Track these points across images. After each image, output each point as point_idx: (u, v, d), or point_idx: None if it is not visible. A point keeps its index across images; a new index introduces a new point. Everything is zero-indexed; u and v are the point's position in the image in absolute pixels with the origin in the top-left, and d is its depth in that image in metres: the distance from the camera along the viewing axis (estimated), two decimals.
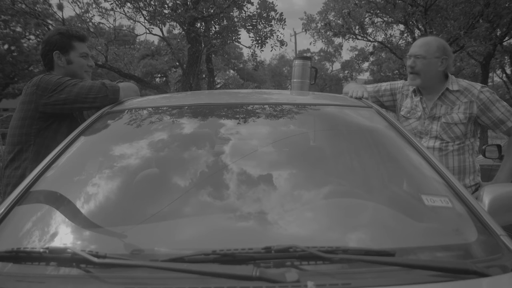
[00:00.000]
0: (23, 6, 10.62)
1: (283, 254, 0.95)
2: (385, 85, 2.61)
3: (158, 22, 10.28)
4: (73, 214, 1.29)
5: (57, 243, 1.14)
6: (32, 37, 21.42)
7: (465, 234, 1.17)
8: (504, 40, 14.71)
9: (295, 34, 32.24)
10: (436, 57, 2.29)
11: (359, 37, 15.09)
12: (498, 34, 13.69)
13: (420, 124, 2.36)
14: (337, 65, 34.39)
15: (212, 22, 10.62)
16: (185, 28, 10.12)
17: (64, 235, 1.19)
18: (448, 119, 2.27)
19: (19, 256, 1.01)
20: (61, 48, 2.21)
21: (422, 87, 2.38)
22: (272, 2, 10.41)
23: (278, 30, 10.98)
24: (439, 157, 2.27)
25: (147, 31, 11.31)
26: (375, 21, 15.00)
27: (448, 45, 2.39)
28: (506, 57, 18.03)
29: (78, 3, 11.17)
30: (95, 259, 0.94)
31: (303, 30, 17.12)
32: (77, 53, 2.24)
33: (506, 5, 11.79)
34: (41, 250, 1.00)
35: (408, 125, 2.41)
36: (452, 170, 2.25)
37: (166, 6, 10.00)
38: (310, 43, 37.13)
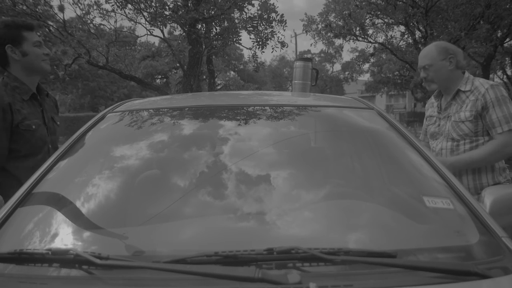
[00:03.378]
0: (24, 7, 10.64)
1: (285, 255, 0.96)
2: (424, 120, 2.68)
3: (159, 23, 10.30)
4: (75, 215, 1.29)
5: (59, 244, 1.15)
6: None
7: (467, 236, 1.17)
8: (505, 41, 14.72)
9: (296, 35, 32.30)
10: (442, 59, 2.36)
11: (360, 38, 15.10)
12: (498, 35, 13.69)
13: (436, 126, 2.44)
14: (337, 66, 34.47)
15: (213, 23, 10.64)
16: (186, 29, 10.13)
17: (66, 237, 1.20)
18: (456, 117, 2.31)
19: (21, 258, 1.01)
20: (12, 40, 2.13)
21: (443, 90, 2.45)
22: (273, 3, 10.44)
23: (278, 32, 11.04)
24: None
25: (148, 33, 11.29)
26: (376, 23, 15.01)
27: (448, 44, 2.44)
28: (507, 59, 18.04)
29: (79, 4, 11.19)
30: (98, 261, 0.95)
31: (304, 31, 17.12)
32: (30, 43, 2.16)
33: (507, 6, 11.79)
34: (44, 251, 1.00)
35: (429, 130, 2.51)
36: (465, 171, 2.27)
37: (167, 7, 10.01)
38: (311, 44, 37.18)
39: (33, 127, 2.14)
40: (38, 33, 2.42)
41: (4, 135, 2.04)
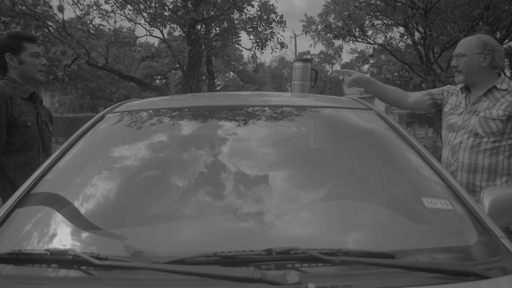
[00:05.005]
0: (24, 7, 10.63)
1: (284, 256, 0.96)
2: (437, 89, 2.70)
3: (158, 24, 10.28)
4: (74, 216, 1.29)
5: (58, 245, 1.15)
6: None
7: (465, 236, 1.17)
8: (504, 42, 14.72)
9: (295, 36, 32.29)
10: (477, 53, 2.30)
11: (359, 39, 15.09)
12: (497, 36, 13.70)
13: (460, 119, 2.38)
14: (337, 67, 34.46)
15: (213, 24, 10.63)
16: (185, 30, 10.13)
17: (65, 237, 1.20)
18: (486, 114, 2.26)
19: (20, 258, 1.01)
20: (12, 49, 2.31)
21: (470, 84, 2.41)
22: (273, 4, 10.43)
23: (278, 32, 10.98)
24: (469, 154, 2.27)
25: (148, 33, 11.28)
26: (375, 24, 15.00)
27: (492, 40, 2.37)
28: (505, 60, 18.06)
29: (79, 5, 11.18)
30: (97, 261, 0.95)
31: (303, 32, 17.11)
32: (28, 53, 2.33)
33: (506, 8, 11.81)
34: (42, 252, 1.00)
35: (448, 120, 2.45)
36: (481, 169, 2.25)
37: (166, 8, 10.00)
38: (310, 45, 37.22)
39: (29, 123, 2.27)
40: (40, 44, 2.58)
41: (5, 124, 2.16)
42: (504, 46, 15.39)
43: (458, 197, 1.27)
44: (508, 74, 19.72)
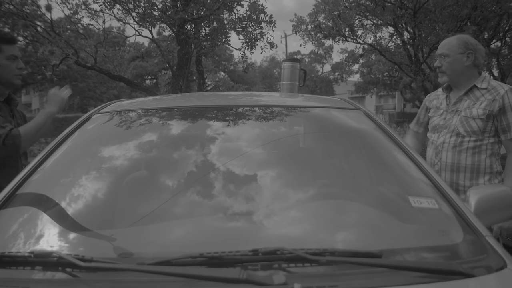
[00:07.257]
0: (11, 7, 10.51)
1: (270, 256, 0.96)
2: (419, 109, 2.70)
3: (147, 24, 10.22)
4: (59, 217, 1.28)
5: (42, 247, 1.13)
6: (20, 38, 21.21)
7: (451, 235, 1.18)
8: (491, 42, 14.91)
9: (286, 36, 32.31)
10: (460, 53, 2.33)
11: (349, 39, 15.16)
12: (485, 37, 13.86)
13: (442, 119, 2.41)
14: (327, 67, 34.57)
15: (202, 24, 10.59)
16: (174, 30, 10.08)
17: (50, 239, 1.18)
18: (467, 113, 2.29)
19: (3, 261, 1.00)
20: None
21: (453, 84, 2.43)
22: (262, 4, 10.44)
23: (268, 32, 10.97)
24: (452, 154, 2.30)
25: (137, 33, 11.18)
26: (365, 24, 15.09)
27: (471, 39, 2.39)
28: (493, 60, 18.26)
29: (67, 4, 11.06)
30: (81, 263, 0.94)
31: (294, 32, 17.14)
32: (4, 56, 2.20)
33: (493, 8, 11.95)
34: (26, 254, 0.99)
35: (432, 122, 2.47)
36: (464, 168, 2.28)
37: (155, 8, 9.95)
38: (301, 45, 37.27)
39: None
40: (28, 44, 2.50)
41: None
42: (492, 46, 15.59)
43: (444, 196, 1.27)
44: (496, 74, 19.95)
